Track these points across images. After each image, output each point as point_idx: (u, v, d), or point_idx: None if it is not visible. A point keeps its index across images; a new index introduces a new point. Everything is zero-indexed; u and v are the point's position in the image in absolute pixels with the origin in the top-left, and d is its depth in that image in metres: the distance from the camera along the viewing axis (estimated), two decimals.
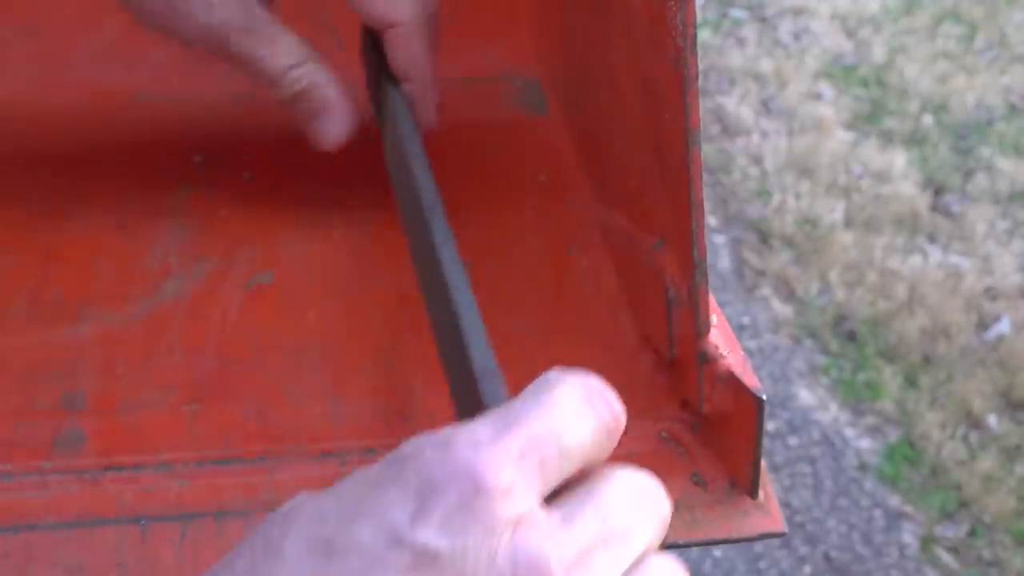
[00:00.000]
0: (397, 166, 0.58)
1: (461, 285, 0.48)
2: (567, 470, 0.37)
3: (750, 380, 0.47)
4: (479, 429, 0.36)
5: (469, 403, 0.45)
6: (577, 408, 0.37)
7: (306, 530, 0.36)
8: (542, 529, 0.35)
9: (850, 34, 3.01)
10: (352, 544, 0.35)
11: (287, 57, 0.60)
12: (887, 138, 2.64)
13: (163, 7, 0.58)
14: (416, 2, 0.61)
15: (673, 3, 0.46)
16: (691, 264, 0.48)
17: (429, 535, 0.34)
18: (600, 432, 0.37)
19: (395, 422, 0.55)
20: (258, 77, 0.60)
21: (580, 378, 0.38)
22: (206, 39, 0.59)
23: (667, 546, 0.48)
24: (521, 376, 0.57)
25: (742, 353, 0.49)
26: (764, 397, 0.46)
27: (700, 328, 0.49)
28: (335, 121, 0.62)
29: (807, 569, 1.81)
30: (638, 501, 0.38)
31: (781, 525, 0.49)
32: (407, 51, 0.61)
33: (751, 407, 0.46)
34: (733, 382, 0.48)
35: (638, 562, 0.37)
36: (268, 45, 0.59)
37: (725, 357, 0.49)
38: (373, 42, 0.63)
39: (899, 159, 2.56)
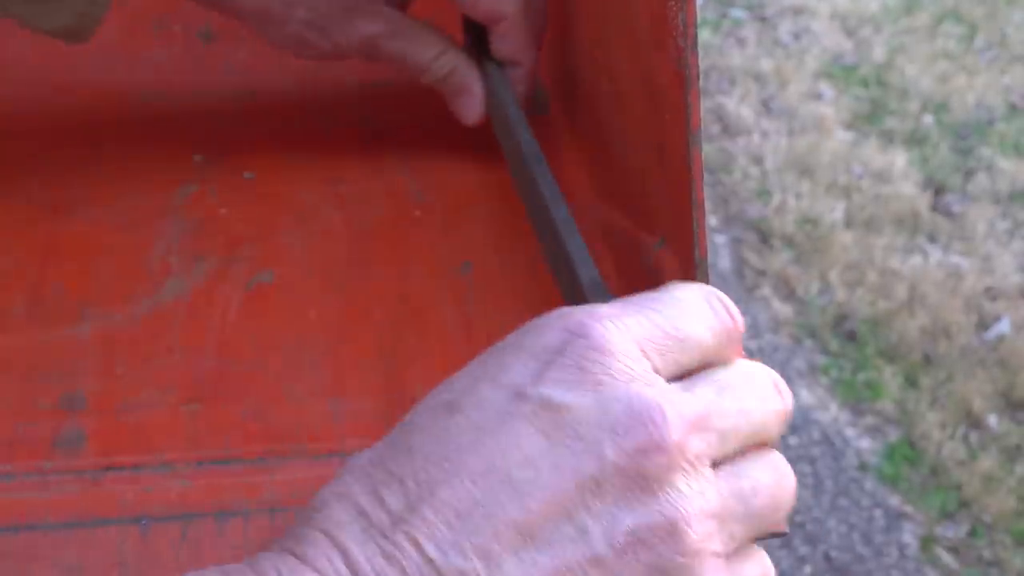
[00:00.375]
0: (504, 133, 0.66)
1: (563, 215, 0.55)
2: (685, 360, 0.38)
3: None
4: (599, 307, 0.38)
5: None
6: (697, 306, 0.39)
7: (433, 399, 0.37)
8: (659, 387, 0.36)
9: (850, 34, 3.01)
10: (474, 401, 0.36)
11: (431, 49, 0.68)
12: (887, 138, 2.64)
13: (316, 35, 0.66)
14: None
15: (674, 3, 0.46)
16: (692, 264, 0.48)
17: (550, 389, 0.35)
18: (720, 334, 0.39)
19: (396, 421, 0.54)
20: (409, 70, 0.68)
21: (700, 285, 0.40)
22: (360, 50, 0.67)
23: None
24: None
25: (743, 354, 0.49)
26: None
27: None
28: (475, 99, 0.69)
29: (807, 569, 1.81)
30: (760, 388, 0.39)
31: (784, 526, 0.49)
32: (513, 42, 0.68)
33: None
34: None
35: (755, 447, 0.38)
36: (414, 43, 0.68)
37: None
38: (477, 33, 0.70)
39: (899, 159, 2.56)
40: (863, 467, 1.95)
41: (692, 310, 0.39)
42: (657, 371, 0.37)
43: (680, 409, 0.36)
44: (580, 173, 0.68)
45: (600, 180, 0.63)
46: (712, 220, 2.44)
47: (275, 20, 0.66)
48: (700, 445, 0.36)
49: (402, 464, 0.36)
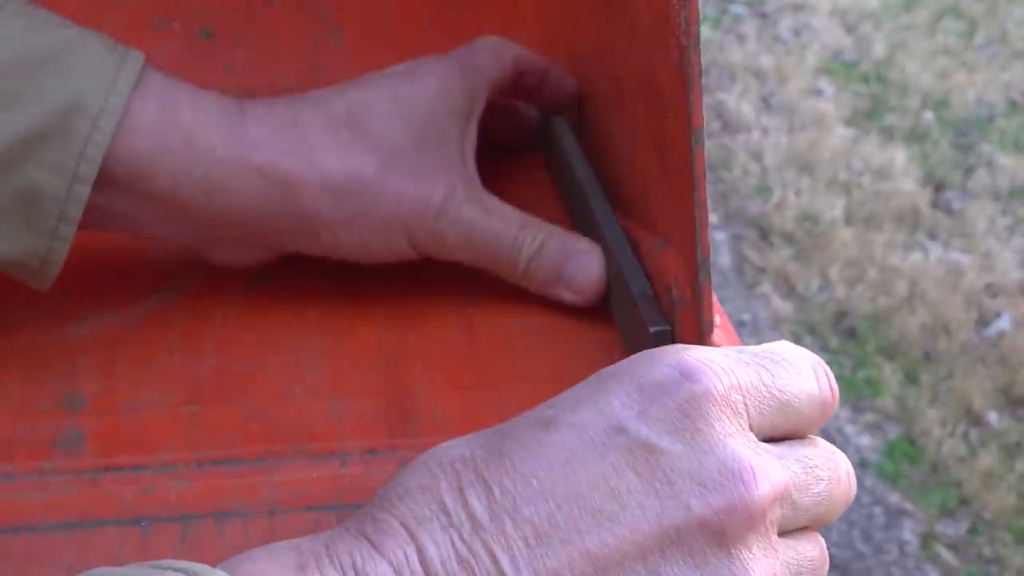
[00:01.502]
0: (563, 172, 0.65)
1: (616, 231, 0.57)
2: (781, 422, 0.38)
3: None
4: (713, 352, 0.38)
5: (632, 326, 0.53)
6: (805, 374, 0.39)
7: (535, 411, 0.38)
8: (755, 448, 0.37)
9: (850, 30, 3.01)
10: (573, 421, 0.36)
11: (512, 222, 0.58)
12: (887, 134, 2.64)
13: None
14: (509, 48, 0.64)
15: (676, 2, 0.46)
16: (694, 264, 0.48)
17: (648, 429, 0.36)
18: (816, 403, 0.39)
19: (396, 422, 0.54)
20: (492, 252, 0.58)
21: (810, 353, 0.40)
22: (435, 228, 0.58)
23: None
24: (521, 374, 0.57)
25: None
26: None
27: (703, 328, 0.48)
28: (585, 257, 0.58)
29: None
30: (839, 477, 0.39)
31: None
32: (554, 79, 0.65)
33: None
34: None
35: (815, 524, 0.39)
36: (493, 215, 0.58)
37: None
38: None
39: (899, 155, 2.56)
40: (863, 464, 1.94)
41: (800, 376, 0.39)
42: (752, 428, 0.37)
43: (770, 475, 0.36)
44: None
45: (602, 179, 0.63)
46: (712, 217, 2.44)
47: (375, 244, 0.58)
48: (778, 513, 0.37)
49: (492, 469, 0.36)
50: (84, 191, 0.52)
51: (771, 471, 0.36)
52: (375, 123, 0.57)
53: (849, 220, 2.40)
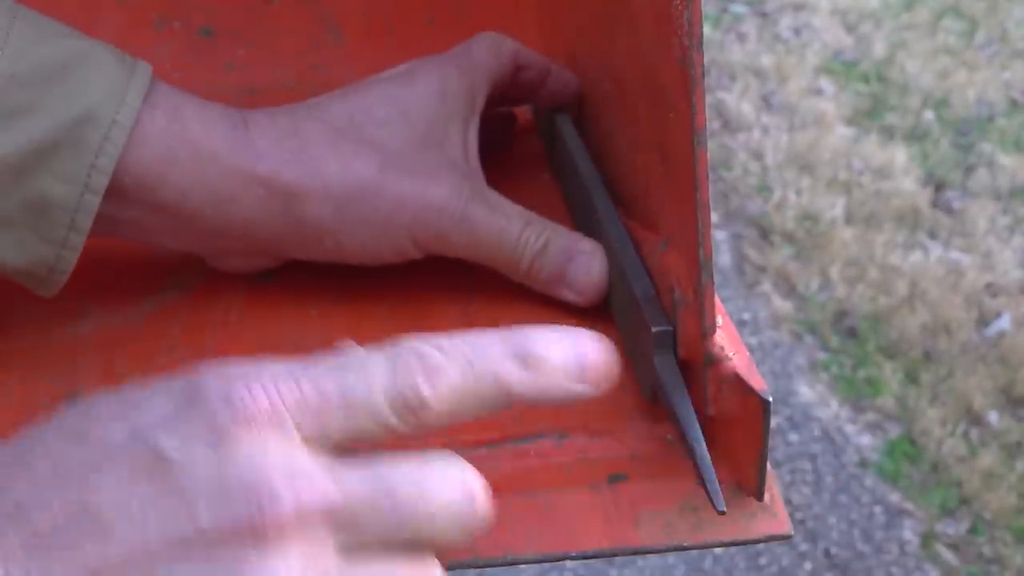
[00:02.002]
0: (567, 172, 0.65)
1: (619, 230, 0.57)
2: (351, 427, 0.36)
3: (756, 382, 0.47)
4: (257, 366, 0.36)
5: (634, 326, 0.53)
6: (378, 367, 0.37)
7: (73, 421, 0.36)
8: (294, 464, 0.34)
9: (850, 29, 3.01)
10: (100, 434, 0.35)
11: (515, 220, 0.58)
12: (888, 134, 2.64)
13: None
14: (501, 42, 0.62)
15: (679, 1, 0.46)
16: (697, 265, 0.48)
17: (167, 438, 0.34)
18: (398, 399, 0.36)
19: None
20: (495, 250, 0.57)
21: (402, 348, 0.37)
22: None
23: (672, 549, 0.48)
24: None
25: (747, 354, 0.49)
26: (771, 399, 0.46)
27: (706, 329, 0.48)
28: (587, 258, 0.57)
29: (807, 566, 1.81)
30: (425, 490, 0.36)
31: (787, 527, 0.48)
32: (530, 65, 0.64)
33: (757, 409, 0.46)
34: (739, 384, 0.47)
35: (407, 549, 0.36)
36: (497, 212, 0.57)
37: (731, 359, 0.48)
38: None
39: (900, 155, 2.56)
40: (863, 464, 1.94)
41: (368, 373, 0.36)
42: (305, 441, 0.35)
43: (300, 491, 0.34)
44: None
45: (603, 179, 0.63)
46: (712, 216, 2.44)
47: (375, 243, 0.57)
48: (330, 532, 0.35)
49: (13, 477, 0.35)
50: (95, 201, 0.52)
51: (305, 487, 0.34)
52: (375, 128, 0.57)
53: (849, 219, 2.40)
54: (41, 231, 0.52)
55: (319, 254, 0.58)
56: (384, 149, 0.57)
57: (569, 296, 0.58)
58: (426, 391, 0.37)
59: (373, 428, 0.37)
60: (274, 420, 0.35)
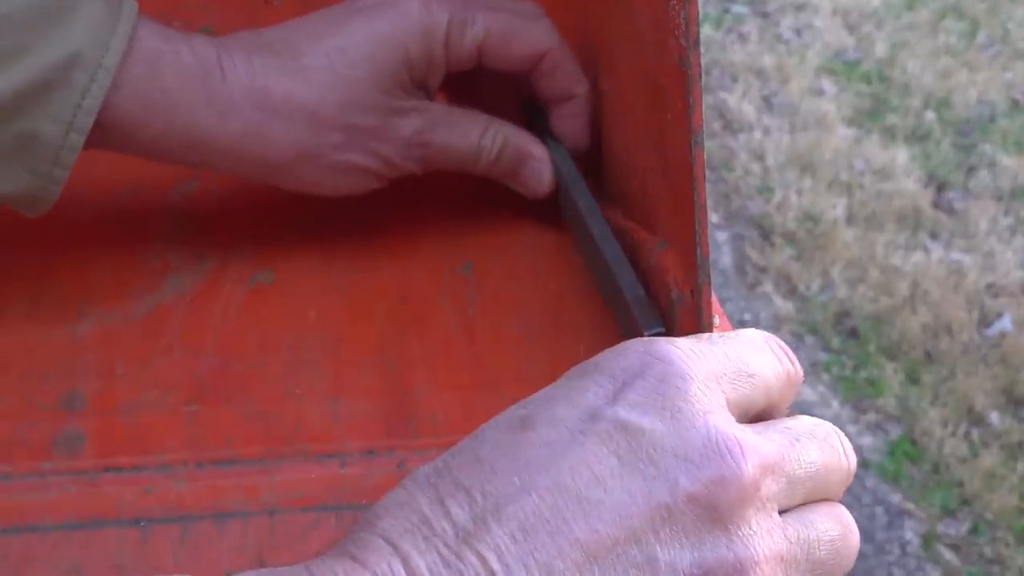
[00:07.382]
0: (566, 199, 0.64)
1: (610, 243, 0.57)
2: (755, 398, 0.38)
3: None
4: (679, 338, 0.38)
5: (628, 329, 0.53)
6: (763, 349, 0.39)
7: (506, 414, 0.37)
8: (735, 424, 0.36)
9: (852, 30, 3.01)
10: (548, 417, 0.36)
11: (475, 127, 0.62)
12: (889, 134, 2.64)
13: (361, 156, 0.60)
14: (550, 28, 0.62)
15: (676, 2, 0.46)
16: (694, 265, 0.48)
17: (626, 411, 0.36)
18: (782, 376, 0.39)
19: (396, 422, 0.54)
20: (460, 160, 0.62)
21: (762, 332, 0.41)
22: (410, 155, 0.61)
23: None
24: (522, 375, 0.57)
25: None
26: None
27: (703, 329, 0.48)
28: (539, 162, 0.63)
29: None
30: (829, 446, 0.39)
31: None
32: (563, 74, 0.62)
33: None
34: None
35: (820, 500, 0.39)
36: (456, 127, 0.61)
37: None
38: (529, 112, 0.66)
39: (901, 155, 2.56)
40: (864, 464, 1.94)
41: (759, 350, 0.39)
42: (729, 405, 0.37)
43: (756, 447, 0.36)
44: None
45: (601, 180, 0.63)
46: (713, 217, 2.44)
47: (309, 156, 0.59)
48: (772, 487, 0.36)
49: (470, 475, 0.35)
50: (79, 140, 0.55)
51: (757, 443, 0.36)
52: (349, 70, 0.59)
53: (851, 220, 2.40)
54: (28, 164, 0.55)
55: (294, 184, 0.61)
56: (350, 92, 0.59)
57: (520, 190, 0.63)
58: (799, 367, 0.41)
59: (768, 401, 0.39)
60: (710, 383, 0.37)
